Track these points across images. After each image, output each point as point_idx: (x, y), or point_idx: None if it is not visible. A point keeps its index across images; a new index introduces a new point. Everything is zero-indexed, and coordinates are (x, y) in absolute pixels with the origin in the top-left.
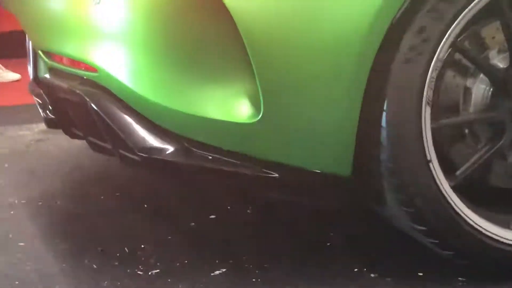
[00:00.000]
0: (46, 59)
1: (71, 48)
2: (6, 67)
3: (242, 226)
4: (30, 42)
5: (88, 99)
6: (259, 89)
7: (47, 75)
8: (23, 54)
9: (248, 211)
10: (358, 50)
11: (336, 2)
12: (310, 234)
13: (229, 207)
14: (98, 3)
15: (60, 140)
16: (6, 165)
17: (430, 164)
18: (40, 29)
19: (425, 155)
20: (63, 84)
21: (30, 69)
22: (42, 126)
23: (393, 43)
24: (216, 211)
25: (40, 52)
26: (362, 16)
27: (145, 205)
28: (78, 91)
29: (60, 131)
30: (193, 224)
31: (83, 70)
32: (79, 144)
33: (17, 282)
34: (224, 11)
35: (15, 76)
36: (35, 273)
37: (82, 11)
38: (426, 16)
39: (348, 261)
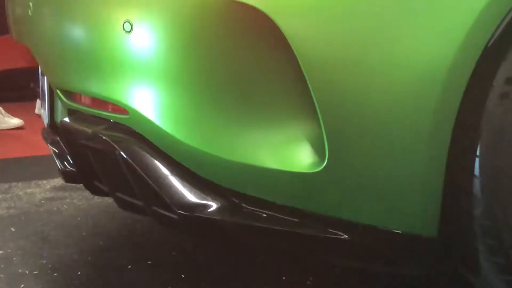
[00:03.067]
0: (65, 100)
1: (97, 86)
2: (7, 112)
3: None
4: (46, 80)
5: (116, 146)
6: (323, 131)
7: (66, 119)
8: (24, 97)
9: (308, 282)
10: (443, 85)
11: (414, 31)
12: None
13: (284, 278)
14: (130, 31)
15: (76, 199)
16: (13, 229)
17: None
18: (60, 64)
19: None
20: (86, 129)
21: (44, 112)
22: (54, 182)
23: (486, 76)
24: (269, 283)
25: (58, 92)
26: (447, 45)
27: (183, 275)
28: (104, 137)
29: (78, 187)
30: None
31: (111, 112)
32: (99, 203)
33: None
34: (281, 39)
35: (17, 122)
36: None
37: (110, 41)
38: None
39: None
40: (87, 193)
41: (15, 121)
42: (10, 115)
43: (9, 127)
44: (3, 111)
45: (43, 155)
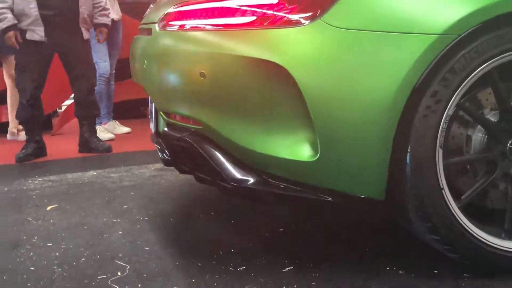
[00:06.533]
0: (165, 117)
1: (183, 109)
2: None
3: (303, 236)
4: (153, 105)
5: (195, 144)
6: (317, 137)
7: (166, 129)
8: (131, 116)
9: (308, 225)
10: (389, 109)
11: (371, 78)
12: (351, 241)
13: (292, 225)
14: (204, 78)
15: (170, 176)
16: (132, 193)
17: (443, 191)
18: (161, 96)
19: (439, 184)
20: (177, 135)
21: (152, 124)
22: (157, 165)
23: (414, 104)
24: (284, 225)
25: (161, 113)
26: (391, 86)
27: (232, 221)
28: (188, 139)
29: (170, 169)
30: (267, 234)
31: (191, 124)
32: (183, 178)
33: (145, 275)
34: (293, 84)
35: (126, 129)
36: (158, 268)
37: (192, 83)
38: (438, 84)
39: (384, 262)
40: (176, 173)
41: (125, 129)
42: (121, 125)
43: (121, 132)
44: (117, 122)
45: (148, 150)
